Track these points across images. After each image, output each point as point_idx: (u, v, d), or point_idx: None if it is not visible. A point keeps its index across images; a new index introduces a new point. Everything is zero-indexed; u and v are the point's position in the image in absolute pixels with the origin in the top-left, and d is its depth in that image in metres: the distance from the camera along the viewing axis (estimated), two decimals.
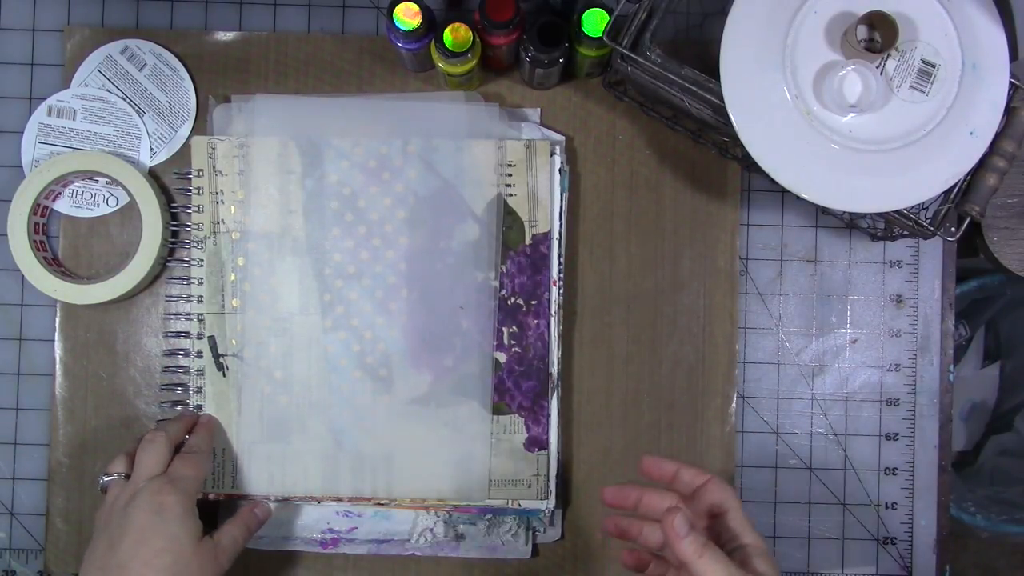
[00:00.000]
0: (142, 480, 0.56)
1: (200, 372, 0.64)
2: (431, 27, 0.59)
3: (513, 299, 0.64)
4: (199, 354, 0.64)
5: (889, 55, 0.50)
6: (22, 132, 0.65)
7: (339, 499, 0.63)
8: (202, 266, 0.64)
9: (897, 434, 0.67)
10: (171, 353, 0.65)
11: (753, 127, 0.51)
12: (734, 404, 0.66)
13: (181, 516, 0.55)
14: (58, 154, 0.64)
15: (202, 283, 0.64)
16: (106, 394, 0.65)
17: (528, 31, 0.59)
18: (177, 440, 0.60)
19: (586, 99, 0.66)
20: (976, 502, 1.08)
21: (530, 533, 0.65)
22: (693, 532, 0.47)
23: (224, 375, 0.63)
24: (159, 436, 0.58)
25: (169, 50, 0.65)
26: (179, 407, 0.64)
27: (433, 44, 0.59)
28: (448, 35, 0.57)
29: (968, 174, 0.53)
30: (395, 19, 0.57)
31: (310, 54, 0.66)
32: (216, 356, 0.63)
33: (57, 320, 0.65)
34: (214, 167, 0.64)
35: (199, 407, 0.63)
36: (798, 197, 0.52)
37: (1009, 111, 0.53)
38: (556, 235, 0.64)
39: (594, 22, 0.58)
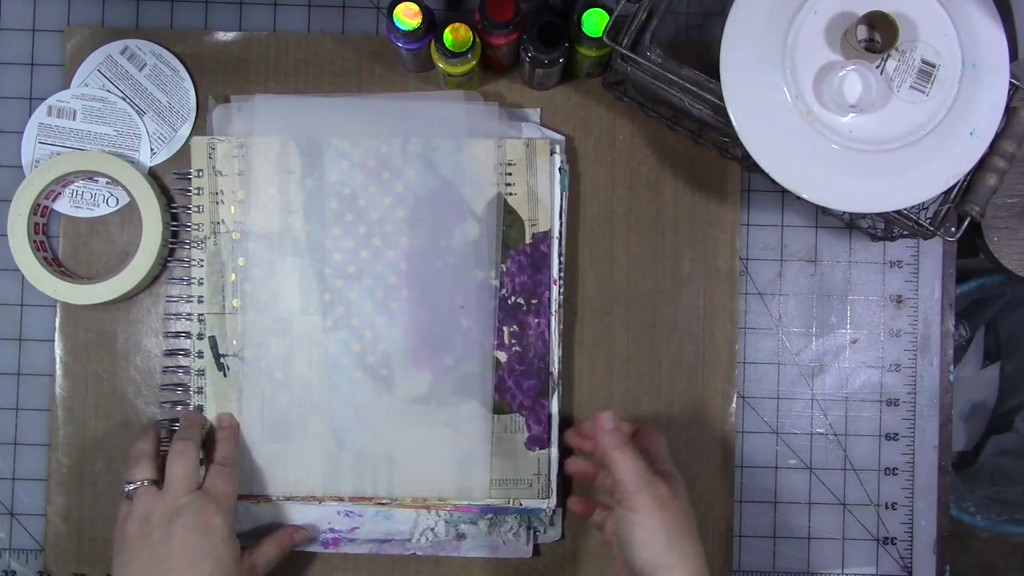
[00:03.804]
0: (180, 494, 0.56)
1: (201, 372, 0.64)
2: (431, 27, 0.59)
3: (513, 298, 0.64)
4: (199, 354, 0.64)
5: (889, 55, 0.50)
6: (22, 132, 0.65)
7: (340, 499, 0.63)
8: (202, 266, 0.64)
9: (897, 434, 0.67)
10: (171, 353, 0.65)
11: (753, 127, 0.51)
12: (734, 404, 0.66)
13: (227, 538, 0.56)
14: (58, 154, 0.64)
15: (202, 283, 0.64)
16: (106, 394, 0.65)
17: (528, 31, 0.59)
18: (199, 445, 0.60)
19: (586, 99, 0.66)
20: (976, 502, 1.08)
21: (531, 532, 0.65)
22: (618, 430, 0.55)
23: (225, 375, 0.63)
24: (189, 447, 0.58)
25: (169, 50, 0.65)
26: (179, 407, 0.64)
27: (433, 44, 0.59)
28: (448, 35, 0.57)
29: (968, 174, 0.53)
30: (395, 19, 0.57)
31: (310, 54, 0.66)
32: (217, 356, 0.63)
33: (57, 320, 0.65)
34: (214, 167, 0.64)
35: (200, 407, 0.63)
36: (798, 197, 0.52)
37: (1009, 111, 0.53)
38: (556, 234, 0.64)
39: (594, 22, 0.58)
